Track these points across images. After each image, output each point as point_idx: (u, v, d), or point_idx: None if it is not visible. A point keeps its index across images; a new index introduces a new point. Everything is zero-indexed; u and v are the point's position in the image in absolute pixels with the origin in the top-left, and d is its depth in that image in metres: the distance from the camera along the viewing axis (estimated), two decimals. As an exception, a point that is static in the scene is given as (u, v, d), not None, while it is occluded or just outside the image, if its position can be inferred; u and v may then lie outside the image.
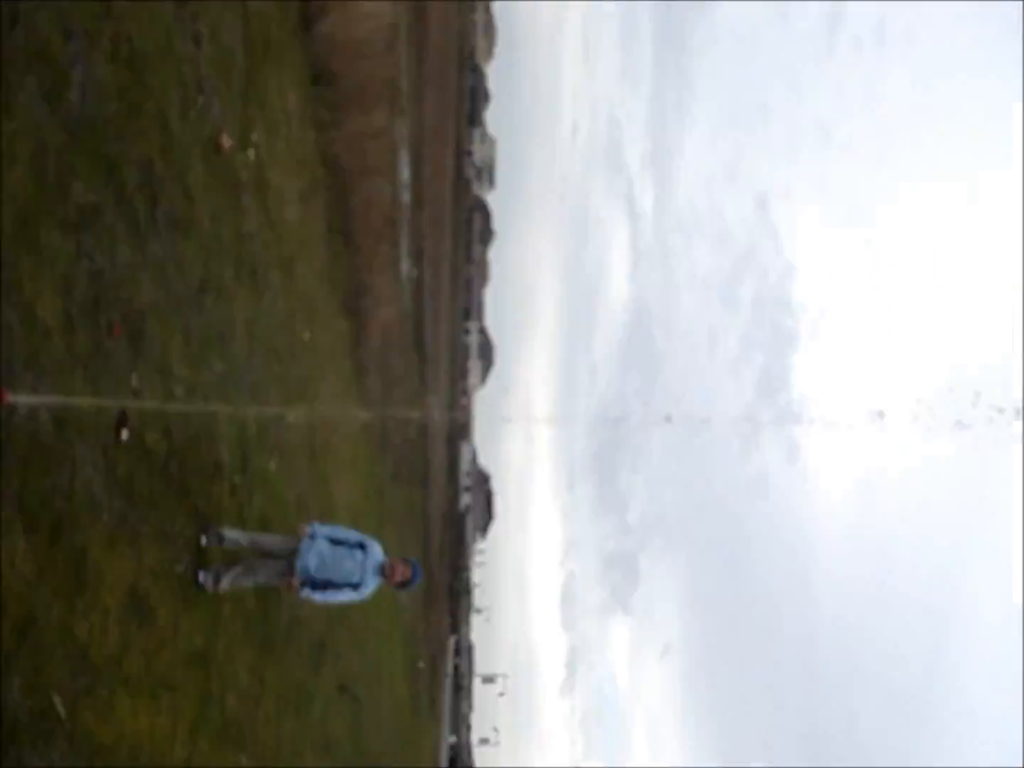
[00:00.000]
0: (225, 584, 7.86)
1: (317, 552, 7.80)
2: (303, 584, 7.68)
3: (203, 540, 7.76)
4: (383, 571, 7.81)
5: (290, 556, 7.91)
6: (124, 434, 6.14)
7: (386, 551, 8.06)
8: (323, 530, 8.02)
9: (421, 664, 40.49)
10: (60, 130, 5.24)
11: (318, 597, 7.77)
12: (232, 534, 8.09)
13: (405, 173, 28.50)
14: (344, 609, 15.84)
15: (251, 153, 9.62)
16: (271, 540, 8.32)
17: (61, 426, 5.26)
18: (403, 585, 8.18)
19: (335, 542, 7.94)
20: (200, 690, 7.64)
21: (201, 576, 7.62)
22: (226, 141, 8.56)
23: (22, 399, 4.57)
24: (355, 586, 7.75)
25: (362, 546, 7.93)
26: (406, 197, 28.78)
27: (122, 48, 6.18)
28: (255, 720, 9.44)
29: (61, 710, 5.13)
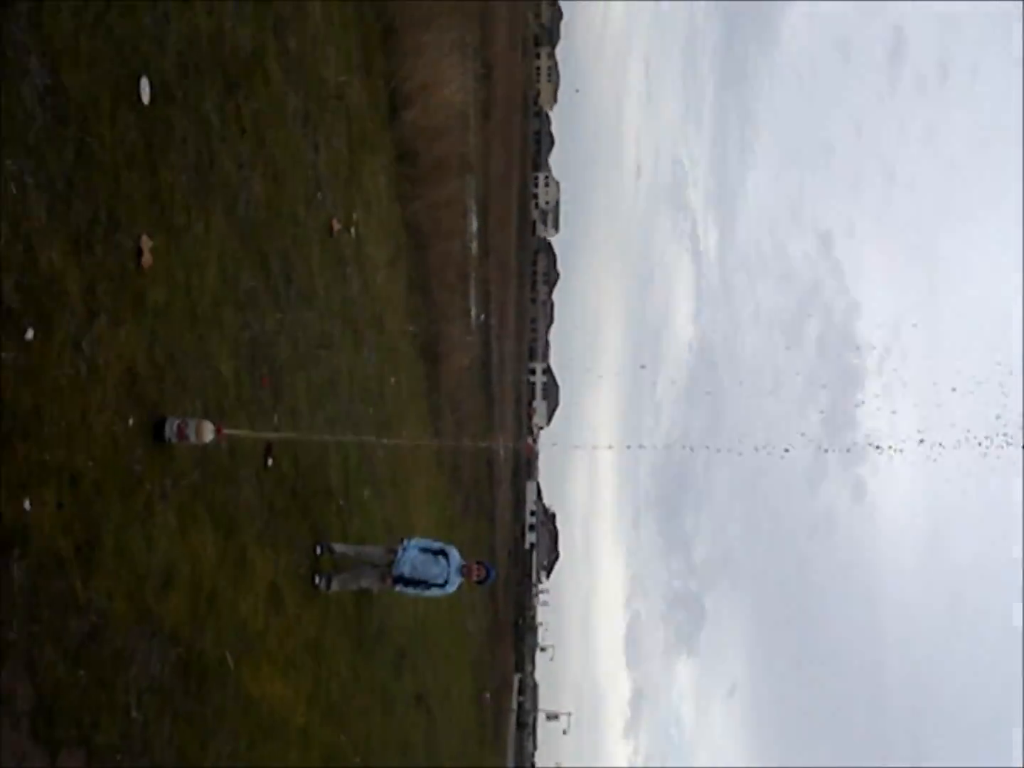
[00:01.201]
0: (335, 586, 9.70)
1: (410, 560, 9.58)
2: (396, 581, 9.44)
3: (318, 550, 9.60)
4: (463, 571, 9.56)
5: (387, 566, 9.71)
6: (270, 461, 8.02)
7: (463, 555, 9.82)
8: (413, 542, 9.82)
9: (487, 695, 41.85)
10: (234, 237, 7.18)
11: (410, 591, 9.54)
12: (340, 547, 9.94)
13: (474, 226, 30.59)
14: (422, 624, 17.57)
15: (352, 231, 11.59)
16: (372, 551, 10.12)
17: (233, 454, 7.13)
18: (480, 582, 9.96)
19: (423, 550, 9.73)
20: (313, 673, 9.43)
21: (316, 579, 9.45)
22: (336, 224, 10.51)
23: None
24: (442, 585, 9.51)
25: (443, 552, 9.71)
26: (475, 249, 30.85)
27: (269, 168, 8.15)
28: (351, 708, 11.19)
29: (231, 663, 6.94)
